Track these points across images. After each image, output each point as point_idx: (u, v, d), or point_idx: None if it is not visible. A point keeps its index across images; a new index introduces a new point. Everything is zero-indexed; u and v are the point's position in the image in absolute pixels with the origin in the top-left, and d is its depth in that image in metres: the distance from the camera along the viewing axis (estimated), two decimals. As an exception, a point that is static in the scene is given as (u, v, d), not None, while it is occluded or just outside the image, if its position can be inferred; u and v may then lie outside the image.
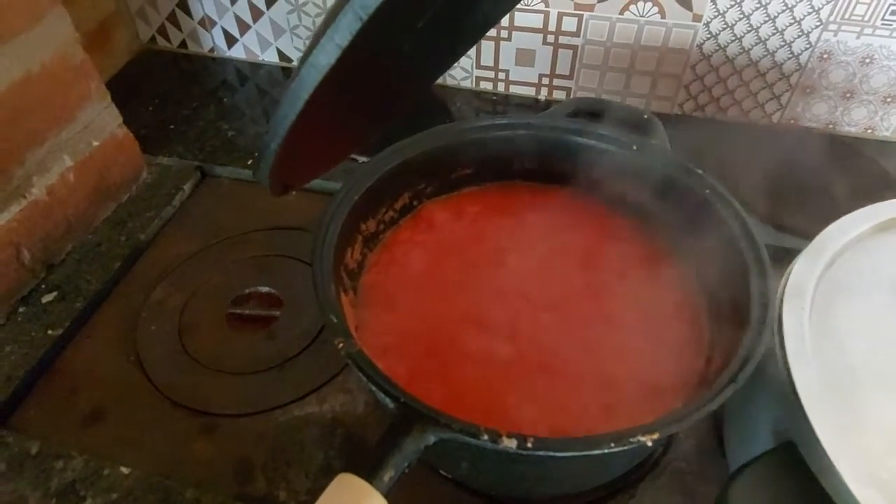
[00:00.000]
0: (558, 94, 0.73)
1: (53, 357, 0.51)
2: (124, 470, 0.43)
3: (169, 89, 0.77)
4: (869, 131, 0.68)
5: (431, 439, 0.32)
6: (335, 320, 0.37)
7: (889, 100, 0.65)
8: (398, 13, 0.26)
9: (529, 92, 0.74)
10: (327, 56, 0.27)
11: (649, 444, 0.31)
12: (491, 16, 0.39)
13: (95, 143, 0.57)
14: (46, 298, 0.53)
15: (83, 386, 0.49)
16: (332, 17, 0.26)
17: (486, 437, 0.31)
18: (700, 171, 0.46)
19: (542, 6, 0.66)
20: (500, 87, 0.75)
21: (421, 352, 0.43)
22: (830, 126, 0.68)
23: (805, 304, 0.36)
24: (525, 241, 0.51)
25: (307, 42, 0.75)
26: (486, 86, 0.75)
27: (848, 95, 0.65)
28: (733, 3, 0.61)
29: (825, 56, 0.63)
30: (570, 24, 0.66)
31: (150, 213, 0.61)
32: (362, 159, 0.64)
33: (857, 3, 0.58)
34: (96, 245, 0.58)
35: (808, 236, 0.56)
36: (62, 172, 0.54)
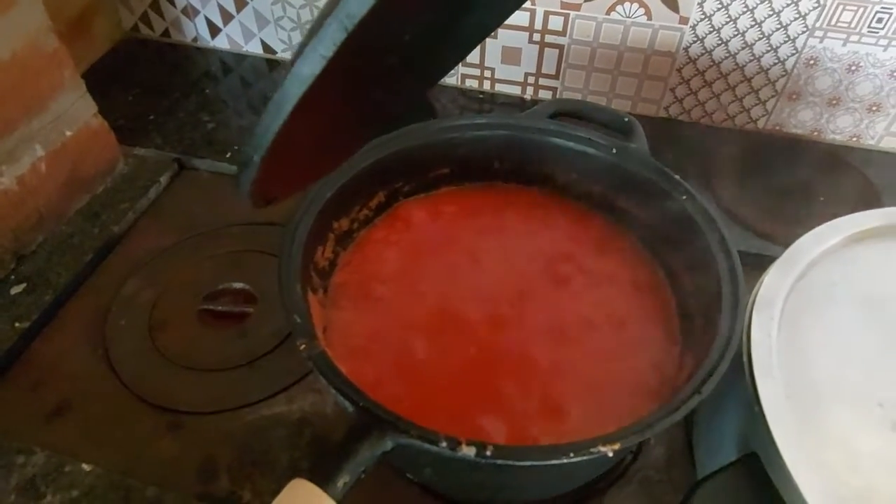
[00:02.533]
0: (544, 94, 0.73)
1: (20, 350, 0.50)
2: (86, 467, 0.43)
3: (150, 79, 0.76)
4: (854, 139, 0.67)
5: (389, 445, 0.32)
6: (298, 320, 0.36)
7: (874, 108, 0.64)
8: (385, 26, 0.25)
9: (515, 91, 0.73)
10: (311, 67, 0.26)
11: (610, 454, 0.31)
12: (483, 28, 0.39)
13: (68, 133, 0.56)
14: (15, 290, 0.53)
15: (49, 380, 0.48)
16: (316, 26, 0.25)
17: (444, 444, 0.31)
18: (677, 177, 0.46)
19: (528, 4, 0.65)
20: (486, 86, 0.74)
21: (390, 354, 0.43)
22: (815, 133, 0.68)
23: (774, 316, 0.36)
24: (501, 243, 0.50)
25: (291, 34, 0.75)
26: (472, 84, 0.74)
27: (833, 103, 0.65)
28: (720, 6, 0.61)
29: (811, 62, 0.62)
30: (556, 22, 0.66)
31: (125, 205, 0.60)
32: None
33: (844, 9, 0.58)
34: (68, 237, 0.57)
35: (786, 243, 0.56)
36: (33, 162, 0.53)
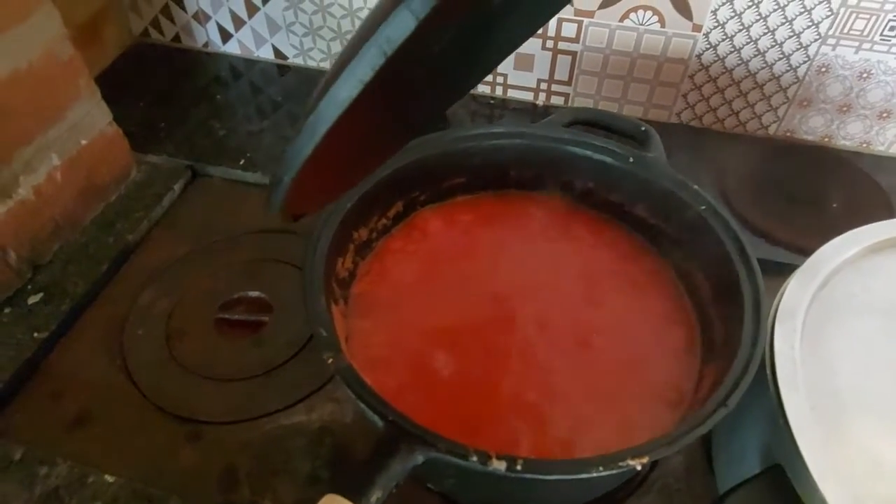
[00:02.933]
0: (556, 100, 0.73)
1: (39, 360, 0.50)
2: (108, 478, 0.43)
3: (160, 85, 0.76)
4: (864, 146, 0.68)
5: (420, 459, 0.32)
6: (325, 334, 0.36)
7: (885, 115, 0.65)
8: (418, 43, 0.25)
9: (527, 97, 0.74)
10: (348, 91, 0.26)
11: (638, 467, 0.31)
12: (510, 41, 0.39)
13: (84, 142, 0.56)
14: (32, 300, 0.53)
15: (68, 390, 0.48)
16: (354, 49, 0.26)
17: (475, 458, 0.31)
18: (696, 187, 0.46)
19: (540, 11, 0.65)
20: (498, 91, 0.74)
21: (411, 364, 0.43)
22: (826, 139, 0.68)
23: (797, 327, 0.36)
24: (518, 252, 0.50)
25: (303, 39, 0.75)
26: (484, 89, 0.74)
27: (844, 109, 0.65)
28: (733, 14, 0.61)
29: (823, 70, 0.63)
30: (569, 29, 0.66)
31: (139, 213, 0.60)
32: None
33: (857, 17, 0.58)
34: (84, 246, 0.57)
35: (800, 250, 0.56)
36: (49, 172, 0.53)
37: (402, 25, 0.23)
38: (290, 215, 0.34)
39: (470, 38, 0.35)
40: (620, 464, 0.31)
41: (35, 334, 0.50)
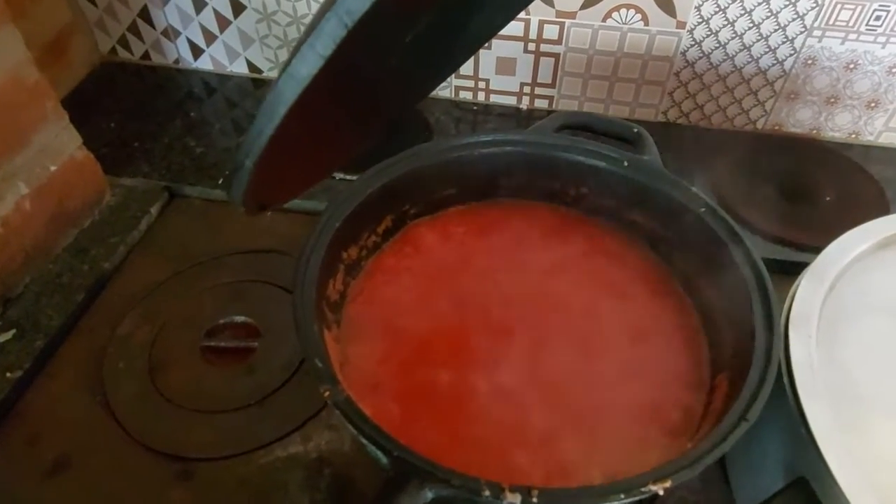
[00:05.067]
0: (540, 103, 0.71)
1: (13, 402, 0.47)
2: (93, 526, 0.40)
3: (132, 103, 0.73)
4: (853, 136, 0.67)
5: (429, 496, 0.30)
6: (320, 365, 0.34)
7: (873, 104, 0.64)
8: (386, 24, 0.23)
9: (511, 101, 0.72)
10: (308, 66, 0.24)
11: (661, 493, 0.30)
12: (483, 32, 0.37)
13: (53, 168, 0.53)
14: (3, 338, 0.50)
15: (46, 433, 0.46)
16: (314, 23, 0.23)
17: (487, 492, 0.29)
18: (694, 188, 0.45)
19: (522, 14, 0.63)
20: (481, 97, 0.72)
21: (411, 387, 0.41)
22: (814, 131, 0.68)
23: (811, 333, 0.35)
24: (514, 263, 0.49)
25: (278, 52, 0.73)
26: (466, 95, 0.73)
27: (832, 101, 0.65)
28: (717, 9, 0.60)
29: (809, 62, 0.62)
30: (551, 31, 0.65)
31: (115, 238, 0.57)
32: (340, 175, 0.62)
33: (842, 8, 0.58)
34: (57, 276, 0.54)
35: (799, 247, 0.55)
36: (17, 201, 0.50)
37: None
38: (254, 205, 0.31)
39: (446, 25, 0.33)
40: (643, 489, 0.29)
41: (7, 374, 0.47)
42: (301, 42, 0.24)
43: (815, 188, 0.63)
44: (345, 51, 0.23)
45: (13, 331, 0.50)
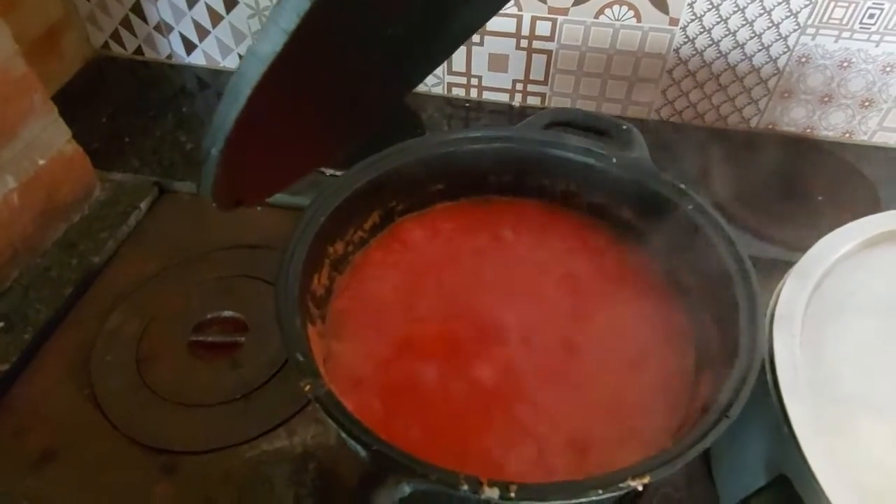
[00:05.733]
0: (532, 100, 0.71)
1: (0, 394, 0.47)
2: (77, 520, 0.40)
3: (124, 98, 0.73)
4: (847, 135, 0.67)
5: (406, 490, 0.30)
6: (301, 359, 0.34)
7: (867, 103, 0.64)
8: (358, 9, 0.23)
9: (503, 98, 0.72)
10: (272, 43, 0.23)
11: (640, 488, 0.30)
12: (469, 24, 0.37)
13: (41, 162, 0.53)
14: (-9, 330, 0.50)
15: (32, 426, 0.46)
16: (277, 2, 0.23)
17: (465, 487, 0.29)
18: (682, 185, 0.45)
19: (514, 10, 0.63)
20: (473, 94, 0.72)
21: (395, 383, 0.41)
22: (808, 130, 0.67)
23: (795, 332, 0.35)
24: (503, 259, 0.48)
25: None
26: (459, 92, 0.73)
27: (826, 99, 0.64)
28: (710, 6, 0.60)
29: (803, 60, 0.62)
30: (543, 28, 0.64)
31: (104, 233, 0.57)
32: (330, 172, 0.62)
33: (836, 6, 0.57)
34: (45, 270, 0.54)
35: (789, 245, 0.55)
36: (5, 194, 0.50)
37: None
38: (228, 200, 0.31)
39: (427, 19, 0.33)
40: (621, 485, 0.29)
41: (-5, 367, 0.47)
42: (266, 22, 0.24)
43: (807, 187, 0.62)
44: (311, 28, 0.22)
45: (1, 324, 0.50)
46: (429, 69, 0.40)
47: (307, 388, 0.33)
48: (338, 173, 0.62)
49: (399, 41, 0.34)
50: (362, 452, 0.31)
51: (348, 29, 0.23)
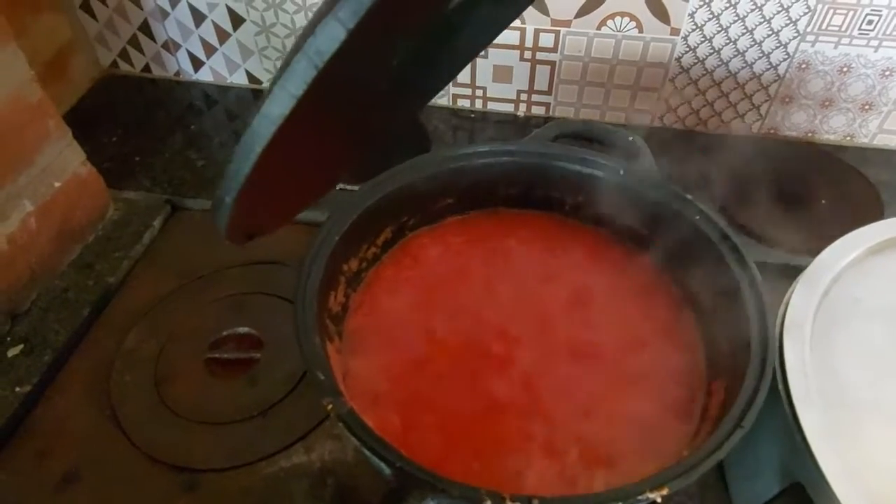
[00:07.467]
0: (537, 110, 0.72)
1: (22, 416, 0.48)
2: (102, 539, 0.41)
3: (133, 117, 0.74)
4: (848, 138, 0.68)
5: (430, 506, 0.30)
6: (322, 377, 0.35)
7: (867, 107, 0.65)
8: (364, 56, 0.24)
9: (508, 108, 0.73)
10: (280, 106, 0.25)
11: (658, 500, 0.30)
12: (473, 48, 0.37)
13: (57, 185, 0.54)
14: (12, 352, 0.50)
15: (55, 447, 0.46)
16: (286, 62, 0.24)
17: (488, 502, 0.30)
18: (689, 196, 0.45)
19: (518, 23, 0.64)
20: (478, 104, 0.73)
21: (414, 398, 0.41)
22: (810, 134, 0.68)
23: (805, 339, 0.36)
24: (513, 272, 0.49)
25: (277, 63, 0.73)
26: (464, 103, 0.73)
27: (827, 104, 0.65)
28: (711, 16, 0.60)
29: (803, 66, 0.63)
30: (547, 39, 0.65)
31: (119, 253, 0.58)
32: (339, 186, 0.63)
33: (834, 13, 0.58)
34: (63, 291, 0.55)
35: (795, 250, 0.55)
36: (23, 218, 0.51)
37: (331, 36, 0.22)
38: (242, 235, 0.32)
39: (430, 46, 0.34)
40: (639, 497, 0.30)
41: (17, 389, 0.48)
42: (274, 81, 0.25)
43: (810, 192, 0.63)
44: (320, 87, 0.24)
45: (21, 346, 0.51)
46: (438, 88, 0.41)
47: (329, 406, 0.33)
48: (347, 187, 0.63)
49: (406, 68, 0.35)
50: (386, 470, 0.31)
51: (355, 75, 0.24)
